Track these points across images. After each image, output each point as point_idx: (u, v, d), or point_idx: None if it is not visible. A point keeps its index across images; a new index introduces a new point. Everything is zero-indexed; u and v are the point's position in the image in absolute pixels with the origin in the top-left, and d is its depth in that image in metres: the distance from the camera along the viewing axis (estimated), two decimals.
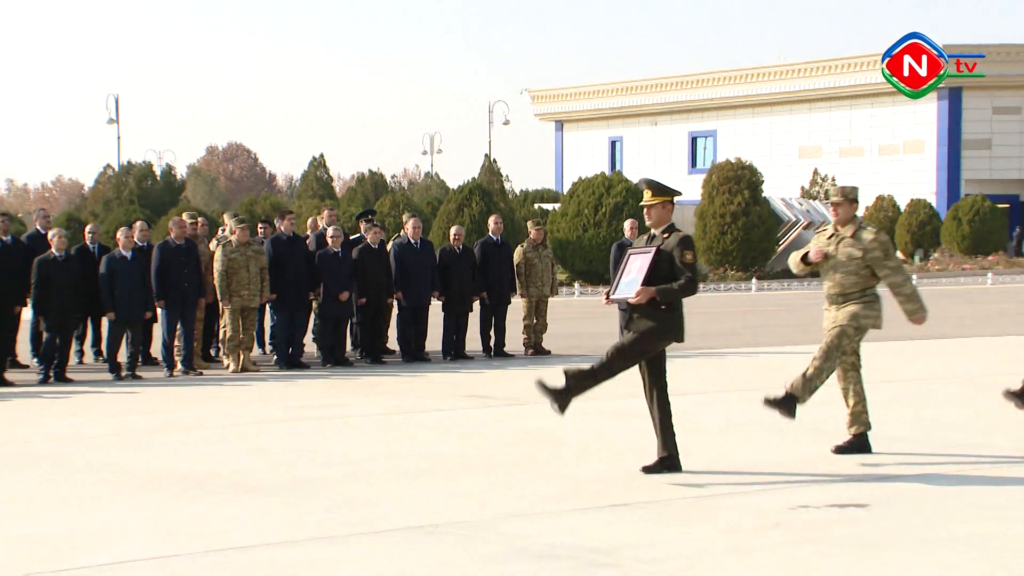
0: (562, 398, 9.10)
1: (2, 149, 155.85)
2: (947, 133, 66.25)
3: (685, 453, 9.32)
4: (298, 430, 11.95)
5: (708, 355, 18.69)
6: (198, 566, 6.88)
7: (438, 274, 18.25)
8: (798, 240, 48.96)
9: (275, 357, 17.82)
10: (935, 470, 9.35)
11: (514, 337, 19.10)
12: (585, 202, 45.23)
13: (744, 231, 47.68)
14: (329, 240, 17.64)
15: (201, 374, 16.81)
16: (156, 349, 17.66)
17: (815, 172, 64.28)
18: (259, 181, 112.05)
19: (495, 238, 18.95)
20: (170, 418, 13.00)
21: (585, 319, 25.74)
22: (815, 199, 59.27)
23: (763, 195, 49.24)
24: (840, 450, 9.83)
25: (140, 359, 16.86)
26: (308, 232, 19.30)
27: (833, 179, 62.83)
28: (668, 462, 9.17)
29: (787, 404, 9.63)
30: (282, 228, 17.72)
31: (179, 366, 16.82)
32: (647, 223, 9.46)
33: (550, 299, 19.34)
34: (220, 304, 17.10)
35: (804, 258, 10.11)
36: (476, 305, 18.73)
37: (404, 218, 19.03)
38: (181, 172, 79.08)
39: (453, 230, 19.12)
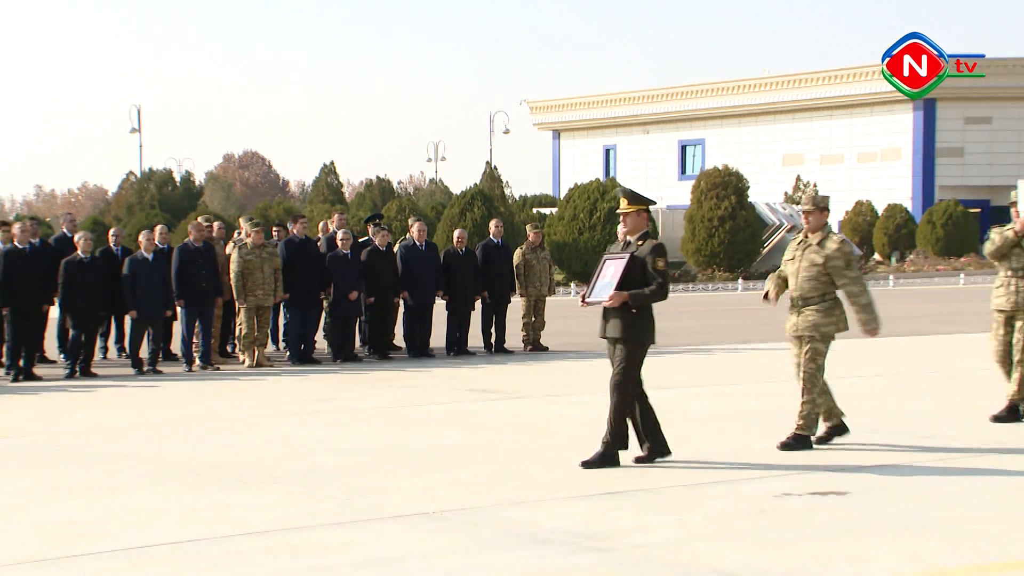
0: (612, 458, 9.05)
1: (31, 157, 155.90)
2: (922, 142, 66.20)
3: (676, 444, 9.33)
4: (310, 422, 11.95)
5: (697, 351, 18.69)
6: (218, 550, 6.89)
7: (442, 275, 18.24)
8: (782, 243, 48.92)
9: (288, 353, 17.82)
10: (911, 460, 9.36)
11: (514, 334, 19.09)
12: (581, 207, 45.23)
13: (731, 234, 47.68)
14: (339, 243, 17.63)
15: (218, 369, 16.80)
16: (176, 345, 17.65)
17: (798, 178, 64.16)
18: (273, 187, 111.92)
19: (496, 241, 18.94)
20: (189, 411, 13.01)
21: (580, 317, 25.66)
22: (798, 204, 59.21)
23: (749, 200, 49.26)
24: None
25: (161, 355, 16.85)
26: (319, 235, 19.29)
27: (815, 185, 62.72)
28: (654, 452, 9.19)
29: (802, 443, 9.70)
30: (295, 231, 17.72)
31: (198, 362, 16.81)
32: (623, 230, 9.43)
33: (548, 298, 19.33)
34: (236, 303, 17.08)
35: (765, 295, 10.17)
36: (478, 304, 18.73)
37: (410, 222, 19.02)
38: (199, 178, 78.94)
39: (456, 233, 19.10)
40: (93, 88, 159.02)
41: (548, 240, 42.32)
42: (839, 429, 9.95)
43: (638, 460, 9.18)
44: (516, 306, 18.95)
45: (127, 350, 17.41)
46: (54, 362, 17.51)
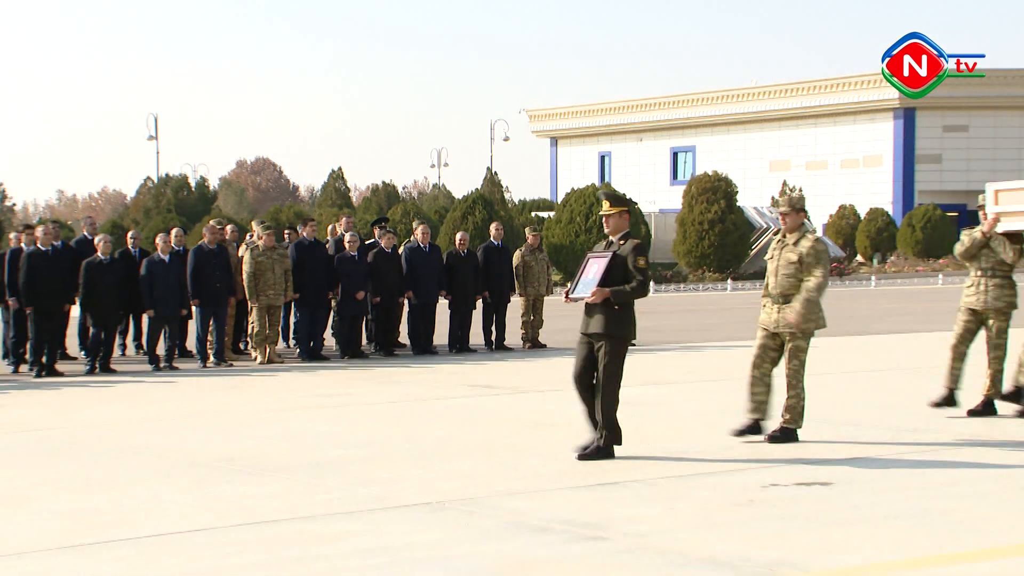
0: (607, 451, 8.99)
1: (54, 163, 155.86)
2: (902, 149, 66.20)
3: (668, 437, 9.31)
4: (319, 416, 11.93)
5: (687, 348, 18.67)
6: (232, 538, 6.87)
7: (445, 275, 18.22)
8: (768, 245, 48.86)
9: (298, 350, 17.80)
10: (892, 452, 9.34)
11: (513, 332, 19.07)
12: (577, 210, 45.19)
13: (720, 237, 47.66)
14: (347, 245, 17.61)
15: (231, 365, 16.78)
16: (191, 343, 17.64)
17: (784, 184, 64.05)
18: (284, 192, 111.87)
19: (496, 243, 18.91)
20: (203, 405, 12.99)
21: (577, 316, 25.59)
22: None
23: (737, 204, 49.24)
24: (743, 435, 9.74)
25: (176, 352, 16.84)
26: (328, 238, 19.26)
27: (800, 190, 62.60)
28: (602, 444, 9.05)
29: (788, 436, 9.66)
30: (304, 234, 17.70)
31: (212, 358, 16.79)
32: (605, 230, 9.41)
33: (545, 298, 19.30)
34: (248, 302, 17.07)
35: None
36: (479, 303, 18.71)
37: (414, 225, 18.99)
38: (214, 184, 78.84)
39: (458, 236, 19.08)
40: (112, 98, 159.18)
41: (546, 242, 42.28)
42: (756, 428, 9.77)
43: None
44: (515, 305, 18.93)
45: (144, 347, 17.39)
46: (75, 359, 17.49)
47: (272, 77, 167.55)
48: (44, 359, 15.81)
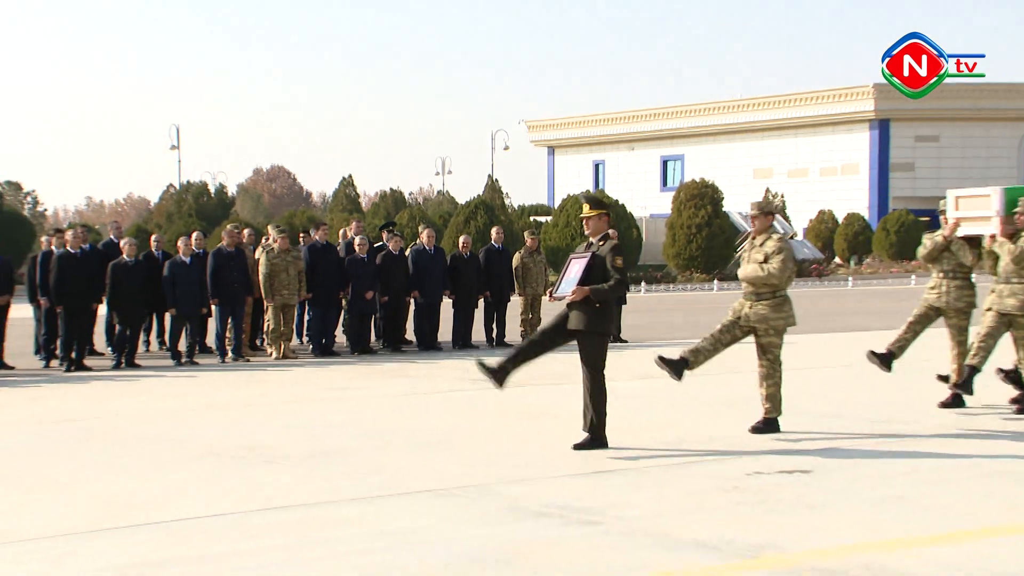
0: (600, 440, 8.98)
1: (82, 171, 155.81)
2: (877, 158, 66.23)
3: (659, 427, 9.31)
4: (331, 408, 11.93)
5: (678, 344, 18.63)
6: (249, 523, 6.88)
7: (449, 276, 18.23)
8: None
9: (311, 347, 17.80)
10: (869, 442, 9.35)
11: (513, 330, 19.07)
12: (573, 215, 45.17)
13: (707, 240, 47.68)
14: (356, 247, 17.62)
15: (248, 361, 16.79)
16: (211, 339, 17.64)
17: (767, 190, 64.12)
18: (297, 198, 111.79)
19: (497, 246, 18.92)
20: (222, 398, 12.99)
21: None
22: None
23: (723, 210, 49.26)
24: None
25: (197, 348, 16.85)
26: (339, 240, 19.27)
27: (782, 196, 62.77)
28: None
29: (771, 426, 9.65)
30: (317, 237, 17.71)
31: (230, 354, 16.80)
32: (586, 231, 9.40)
33: (543, 297, 19.31)
34: (264, 301, 17.08)
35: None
36: (481, 302, 18.71)
37: (420, 229, 18.99)
38: (232, 190, 78.87)
39: (461, 239, 19.09)
40: (137, 110, 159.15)
41: (544, 245, 42.30)
42: (681, 364, 9.72)
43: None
44: (515, 304, 18.94)
45: (167, 344, 17.41)
46: (102, 354, 17.50)
47: (286, 91, 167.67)
48: (73, 355, 15.82)
